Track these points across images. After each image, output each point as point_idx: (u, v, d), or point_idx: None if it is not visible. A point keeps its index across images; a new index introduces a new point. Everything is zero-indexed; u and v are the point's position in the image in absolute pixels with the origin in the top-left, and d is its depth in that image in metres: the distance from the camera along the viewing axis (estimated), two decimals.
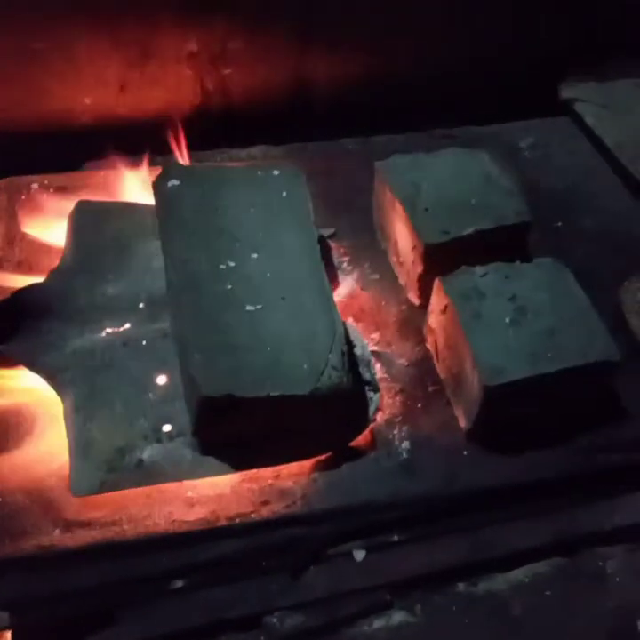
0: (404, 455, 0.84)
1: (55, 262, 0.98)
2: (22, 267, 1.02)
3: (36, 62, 1.18)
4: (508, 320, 0.82)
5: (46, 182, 1.14)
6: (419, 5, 1.24)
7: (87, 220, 1.00)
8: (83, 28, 1.17)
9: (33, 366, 0.84)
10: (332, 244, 1.08)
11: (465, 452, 0.85)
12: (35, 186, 1.13)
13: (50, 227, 1.07)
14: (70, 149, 1.20)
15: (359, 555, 0.79)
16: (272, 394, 0.75)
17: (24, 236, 1.06)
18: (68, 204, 1.06)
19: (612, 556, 0.84)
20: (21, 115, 1.24)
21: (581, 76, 1.34)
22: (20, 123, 1.24)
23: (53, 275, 0.94)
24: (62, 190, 1.13)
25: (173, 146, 1.12)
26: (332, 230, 1.10)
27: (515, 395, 0.79)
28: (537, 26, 1.32)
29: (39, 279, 0.94)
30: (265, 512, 0.78)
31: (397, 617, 0.78)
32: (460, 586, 0.81)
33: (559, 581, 0.82)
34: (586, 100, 1.31)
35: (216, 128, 1.27)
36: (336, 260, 1.06)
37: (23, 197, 1.12)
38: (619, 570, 0.83)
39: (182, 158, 1.12)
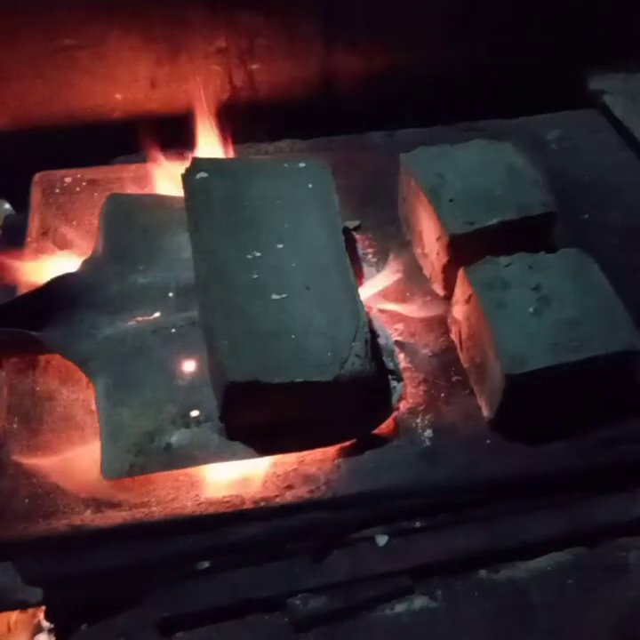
0: (427, 443, 0.85)
1: (87, 253, 1.01)
2: (56, 258, 1.05)
3: (67, 59, 1.22)
4: (531, 310, 0.83)
5: (79, 176, 1.17)
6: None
7: (118, 213, 1.03)
8: (113, 25, 1.19)
9: (66, 353, 0.87)
10: (358, 235, 1.10)
11: (487, 442, 0.85)
12: (68, 180, 1.17)
13: (82, 219, 1.11)
14: (102, 144, 1.22)
15: (381, 540, 0.81)
16: (296, 380, 0.76)
17: (57, 227, 1.09)
18: (100, 198, 1.09)
19: (633, 546, 0.84)
20: (53, 110, 1.28)
21: (610, 67, 1.33)
22: (52, 118, 1.28)
23: (85, 265, 0.97)
24: (94, 184, 1.16)
25: (203, 140, 1.14)
26: (357, 222, 1.11)
27: (537, 384, 0.80)
28: (565, 17, 1.31)
29: (72, 269, 0.97)
30: (289, 496, 0.80)
31: (419, 602, 0.80)
32: (482, 573, 0.82)
33: (580, 571, 0.82)
34: (614, 93, 1.30)
35: (243, 123, 1.29)
36: (361, 252, 1.07)
37: (57, 191, 1.15)
38: (639, 561, 0.84)
39: (210, 151, 1.14)
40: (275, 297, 0.83)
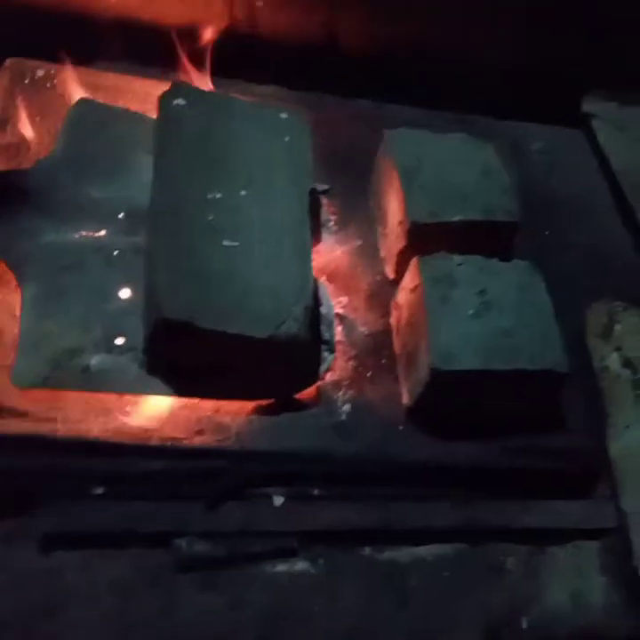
0: (343, 417, 0.87)
1: (43, 154, 0.96)
2: (9, 151, 1.00)
3: None
4: (471, 312, 0.84)
5: (53, 71, 1.11)
6: None
7: (86, 119, 0.99)
8: None
9: (1, 251, 0.84)
10: (324, 200, 1.08)
11: (400, 427, 0.87)
12: (40, 72, 1.11)
13: (46, 117, 1.05)
14: (84, 44, 1.17)
15: (278, 500, 0.82)
16: (230, 331, 0.76)
17: (18, 120, 1.04)
18: (70, 99, 1.04)
19: (513, 553, 0.88)
20: None
21: (606, 94, 1.34)
22: (38, 5, 1.20)
23: (40, 165, 0.93)
24: (67, 83, 1.10)
25: (186, 64, 1.09)
26: (326, 186, 1.09)
27: (460, 384, 0.82)
28: (577, 35, 1.31)
29: (22, 165, 0.93)
30: (197, 440, 0.80)
31: (300, 566, 0.81)
32: (366, 550, 0.84)
33: (459, 566, 0.85)
34: (603, 118, 1.32)
35: (235, 58, 1.25)
36: (323, 217, 1.06)
37: (26, 82, 1.09)
38: (516, 568, 0.87)
39: (194, 78, 1.10)
40: (226, 243, 0.81)
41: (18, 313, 0.83)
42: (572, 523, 0.89)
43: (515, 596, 0.86)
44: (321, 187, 1.08)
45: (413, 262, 0.90)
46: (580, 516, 0.89)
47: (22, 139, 1.01)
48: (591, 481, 0.91)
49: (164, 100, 0.92)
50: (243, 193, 0.86)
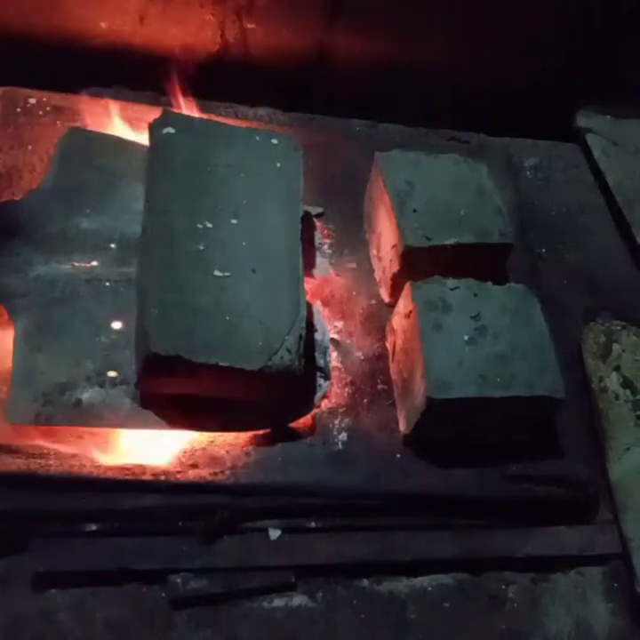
0: (339, 446, 0.86)
1: (34, 183, 0.96)
2: (1, 180, 1.00)
3: None
4: (466, 338, 0.83)
5: (45, 99, 1.11)
6: (452, 6, 1.21)
7: (76, 149, 0.98)
8: None
9: None
10: (318, 223, 1.08)
11: (398, 455, 0.86)
12: (32, 101, 1.11)
13: (38, 146, 1.05)
14: (75, 71, 1.17)
15: (274, 533, 0.81)
16: (221, 363, 0.75)
17: (9, 149, 1.03)
18: (62, 127, 1.04)
19: (515, 581, 0.87)
20: (34, 26, 1.20)
21: (601, 108, 1.34)
22: (30, 34, 1.20)
23: (30, 196, 0.93)
24: (58, 111, 1.10)
25: (178, 89, 1.09)
26: (320, 209, 1.09)
27: (456, 411, 0.81)
28: (571, 51, 1.30)
29: (13, 195, 0.93)
30: (191, 475, 0.79)
31: (298, 600, 0.80)
32: (365, 582, 0.83)
33: (459, 595, 0.84)
34: (598, 133, 1.31)
35: (228, 81, 1.25)
36: (317, 241, 1.06)
37: (18, 110, 1.09)
38: (518, 596, 0.86)
39: (185, 104, 1.10)
40: (217, 273, 0.81)
41: (9, 346, 0.82)
42: (574, 549, 0.88)
43: (517, 625, 0.84)
44: (315, 210, 1.08)
45: (406, 287, 0.89)
46: (581, 543, 0.88)
47: (14, 168, 1.01)
48: (592, 506, 0.89)
49: (154, 129, 0.91)
50: (233, 221, 0.86)
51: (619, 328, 1.02)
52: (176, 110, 1.04)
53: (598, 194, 1.25)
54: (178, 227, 0.83)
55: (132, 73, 1.18)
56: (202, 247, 0.82)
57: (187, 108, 1.09)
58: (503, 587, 0.86)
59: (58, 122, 1.09)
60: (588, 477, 0.87)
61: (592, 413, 0.96)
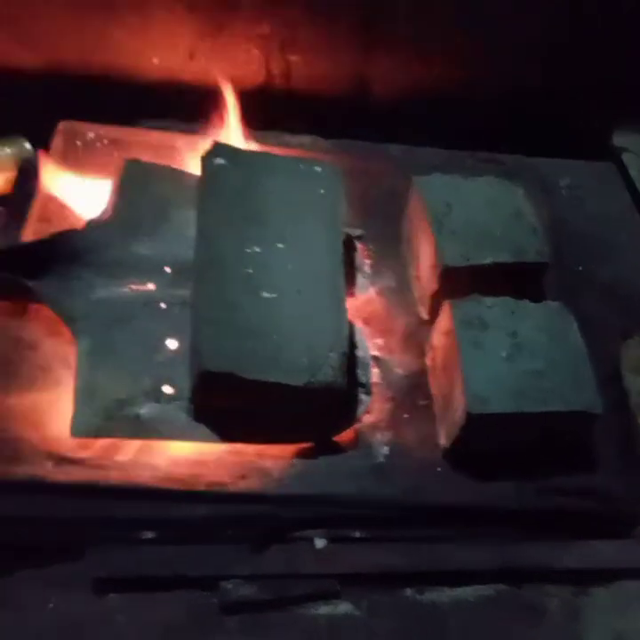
0: (381, 459, 0.89)
1: (94, 213, 1.03)
2: (64, 210, 1.07)
3: (110, 14, 1.22)
4: (504, 354, 0.86)
5: (102, 132, 1.18)
6: (489, 30, 1.25)
7: (133, 179, 1.04)
8: None
9: (56, 307, 0.90)
10: (359, 245, 1.12)
11: (438, 469, 0.89)
12: (91, 134, 1.17)
13: (96, 176, 1.12)
14: (131, 105, 1.24)
15: (320, 543, 0.84)
16: (269, 380, 0.80)
17: (71, 181, 1.11)
18: (119, 159, 1.11)
19: (555, 594, 0.88)
20: (89, 62, 1.28)
21: (637, 128, 1.35)
22: (86, 70, 1.28)
23: (91, 224, 1.00)
24: (115, 143, 1.17)
25: (227, 120, 1.15)
26: (360, 232, 1.13)
27: (495, 426, 0.84)
28: (608, 70, 1.32)
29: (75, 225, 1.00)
30: (241, 485, 0.83)
31: (343, 607, 0.84)
32: (408, 591, 0.86)
33: (500, 608, 0.86)
34: (635, 152, 1.33)
35: (272, 111, 1.31)
36: (358, 262, 1.10)
37: (78, 143, 1.16)
38: (559, 608, 0.88)
39: (235, 133, 1.15)
40: (265, 295, 0.86)
41: (73, 364, 0.88)
42: (613, 562, 0.89)
43: (557, 638, 0.86)
44: (355, 232, 1.12)
45: (445, 306, 0.92)
46: (620, 556, 0.89)
47: (74, 198, 1.08)
48: (629, 520, 0.91)
49: (205, 160, 0.98)
50: (280, 246, 0.91)
51: None
52: (225, 140, 1.10)
53: (634, 212, 1.27)
54: (228, 251, 0.89)
55: (183, 105, 1.25)
56: (250, 270, 0.87)
57: (236, 137, 1.15)
58: (543, 599, 0.88)
59: (115, 153, 1.16)
60: (625, 493, 0.89)
61: (630, 428, 0.97)
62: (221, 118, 1.17)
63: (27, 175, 1.14)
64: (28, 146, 1.30)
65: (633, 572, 0.90)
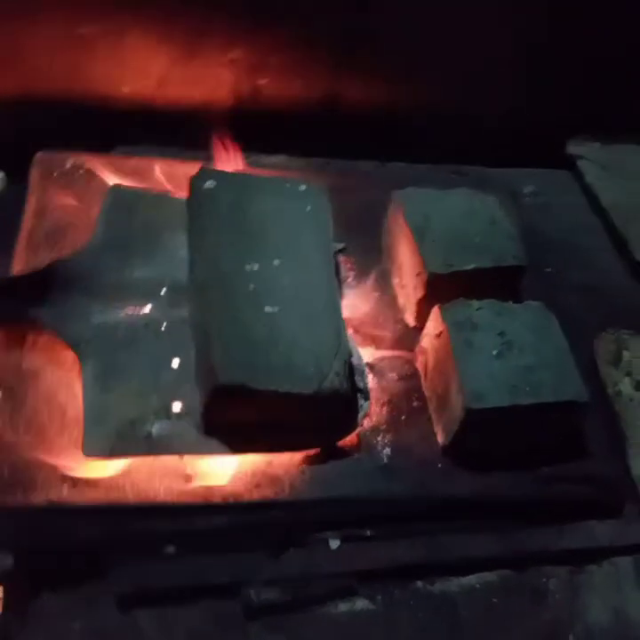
0: (385, 460, 0.93)
1: (81, 239, 1.04)
2: (49, 239, 1.07)
3: (82, 46, 1.24)
4: (495, 352, 0.92)
5: (79, 162, 1.18)
6: (451, 48, 1.33)
7: (119, 205, 1.07)
8: (133, 20, 1.23)
9: (60, 333, 0.91)
10: (341, 258, 1.16)
11: (439, 465, 0.94)
12: (68, 163, 1.18)
13: (78, 205, 1.14)
14: (104, 132, 1.27)
15: (334, 543, 0.88)
16: (281, 389, 0.83)
17: (54, 210, 1.12)
18: (99, 186, 1.13)
19: (554, 575, 0.94)
20: (61, 92, 1.30)
21: (590, 135, 1.45)
22: (59, 100, 1.30)
23: (83, 252, 1.01)
24: (94, 171, 1.18)
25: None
26: (342, 245, 1.17)
27: (491, 420, 0.89)
28: (562, 85, 1.41)
29: (64, 253, 1.01)
30: (256, 495, 0.86)
31: (360, 604, 0.87)
32: (419, 583, 0.90)
33: (505, 591, 0.91)
34: (589, 159, 1.42)
35: (243, 133, 1.35)
36: (342, 274, 1.14)
37: (56, 174, 1.16)
38: (559, 588, 0.93)
39: (230, 159, 1.18)
40: (268, 309, 0.89)
41: (78, 389, 0.90)
42: (605, 541, 0.95)
43: (560, 615, 0.91)
44: (337, 246, 1.16)
45: (435, 310, 0.97)
46: (612, 535, 0.96)
47: (60, 228, 1.09)
48: (620, 501, 0.97)
49: (195, 183, 1.01)
50: (276, 262, 0.94)
51: (627, 336, 1.11)
52: (209, 165, 1.13)
53: (593, 215, 1.36)
54: (228, 270, 0.92)
55: (156, 131, 1.28)
56: (252, 287, 0.91)
57: (219, 161, 1.17)
58: (544, 580, 0.93)
59: (94, 181, 1.17)
60: (613, 475, 0.95)
61: (611, 416, 1.04)
62: (190, 142, 1.20)
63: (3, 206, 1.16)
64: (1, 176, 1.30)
65: (625, 549, 0.96)
